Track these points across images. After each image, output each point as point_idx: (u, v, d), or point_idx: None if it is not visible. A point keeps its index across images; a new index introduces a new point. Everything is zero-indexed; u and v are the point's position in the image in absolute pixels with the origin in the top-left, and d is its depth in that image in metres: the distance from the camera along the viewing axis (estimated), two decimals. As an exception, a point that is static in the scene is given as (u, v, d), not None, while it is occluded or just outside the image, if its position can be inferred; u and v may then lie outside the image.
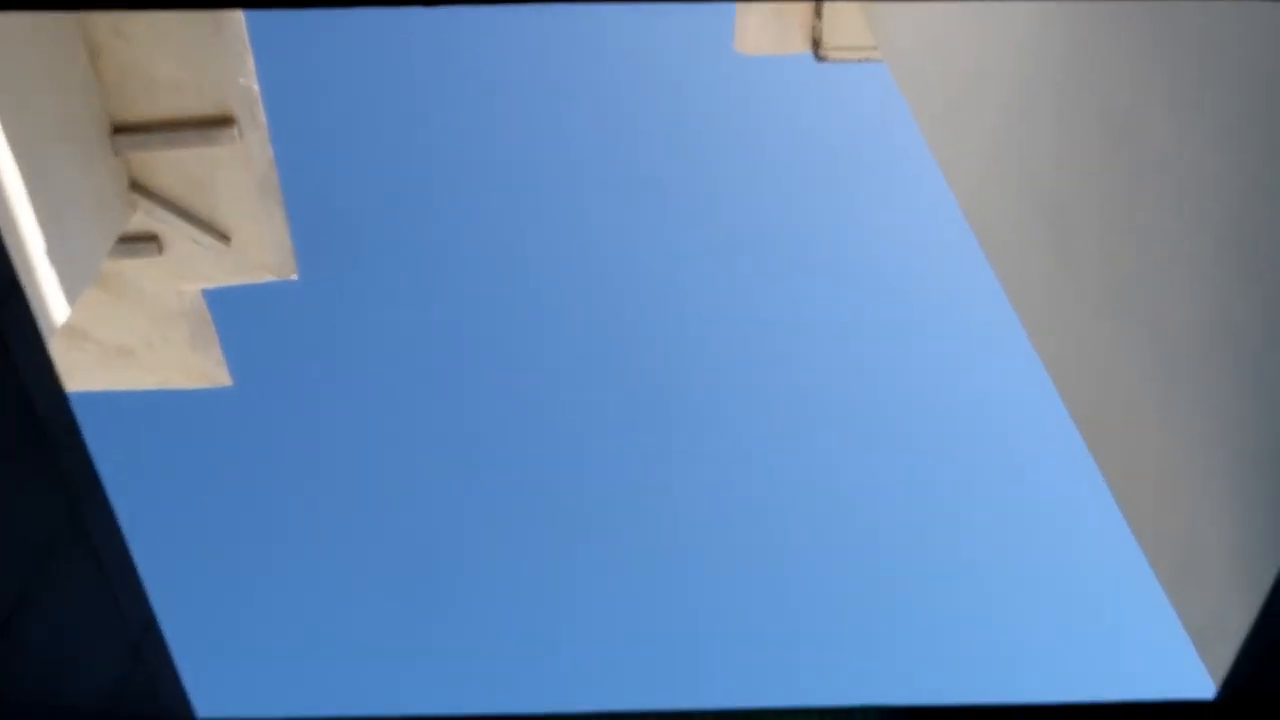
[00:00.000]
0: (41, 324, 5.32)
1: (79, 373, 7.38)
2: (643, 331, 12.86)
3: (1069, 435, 3.97)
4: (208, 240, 6.79)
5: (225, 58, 6.14)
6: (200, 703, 3.06)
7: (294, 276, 7.13)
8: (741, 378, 12.96)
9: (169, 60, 6.17)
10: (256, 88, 6.33)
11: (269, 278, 7.12)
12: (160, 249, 6.89)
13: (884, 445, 12.88)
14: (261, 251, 6.93)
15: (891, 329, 12.79)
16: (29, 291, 4.88)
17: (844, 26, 7.23)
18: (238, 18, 6.12)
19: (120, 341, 7.33)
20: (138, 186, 6.65)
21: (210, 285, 7.18)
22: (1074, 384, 3.96)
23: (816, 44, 7.38)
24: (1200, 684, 3.06)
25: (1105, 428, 3.74)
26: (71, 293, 5.85)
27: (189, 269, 7.02)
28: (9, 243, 5.07)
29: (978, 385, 12.67)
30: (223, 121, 6.34)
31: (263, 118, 6.41)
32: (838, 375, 13.02)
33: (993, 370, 12.65)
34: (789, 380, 12.85)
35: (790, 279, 12.80)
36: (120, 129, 6.43)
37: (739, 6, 7.41)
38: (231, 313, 7.62)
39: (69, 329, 7.15)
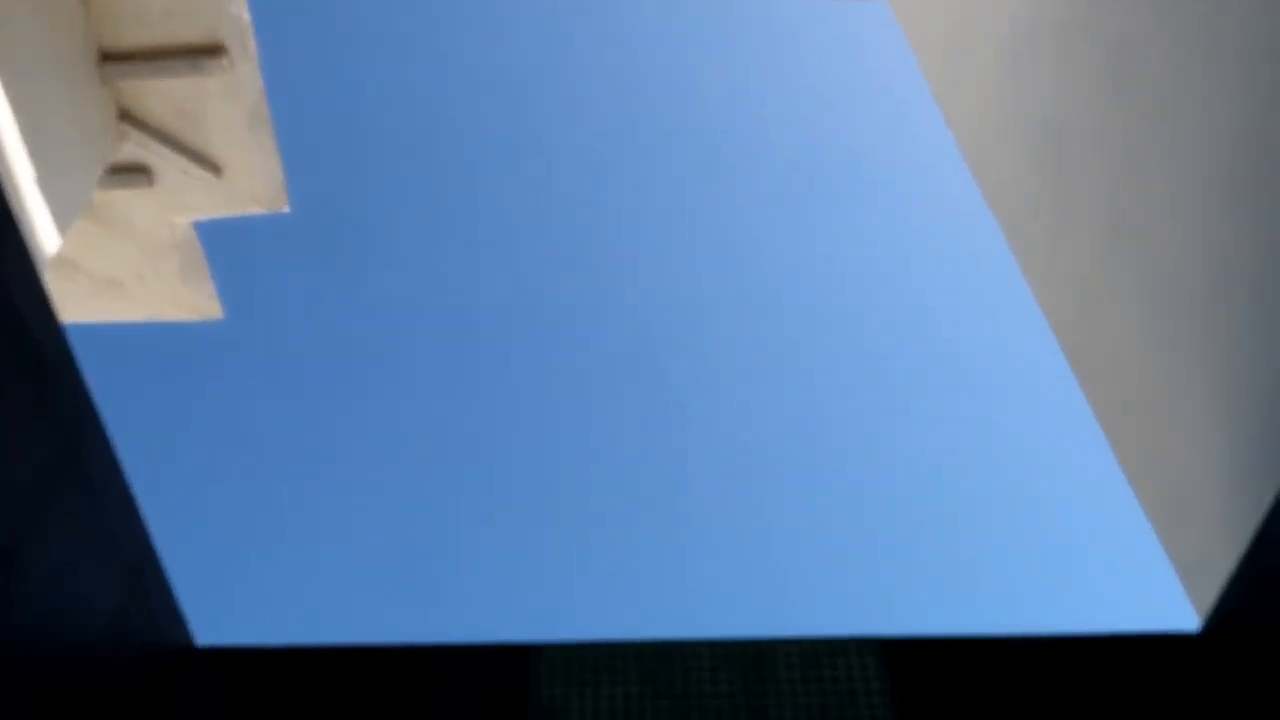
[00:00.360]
0: (33, 255, 5.29)
1: (70, 304, 7.36)
2: (641, 270, 12.84)
3: (1059, 368, 3.99)
4: (198, 172, 6.75)
5: (215, -15, 6.06)
6: (199, 630, 3.10)
7: (285, 209, 7.09)
8: (741, 327, 12.98)
9: (158, -13, 6.09)
10: (248, 17, 6.25)
11: (260, 210, 7.08)
12: (151, 180, 6.84)
13: (878, 379, 12.94)
14: (253, 183, 6.89)
15: (889, 265, 12.79)
16: (19, 222, 4.84)
17: (842, -41, 7.14)
18: (227, -56, 6.03)
19: (111, 273, 7.31)
20: (127, 116, 6.59)
21: (201, 217, 7.14)
22: (1067, 318, 3.98)
23: (814, -23, 7.29)
24: (1185, 617, 3.11)
25: (1095, 361, 3.76)
26: (62, 223, 5.81)
27: (180, 200, 6.98)
28: (-1, 172, 5.02)
29: (970, 320, 12.71)
30: (213, 51, 6.27)
31: (254, 48, 6.34)
32: (836, 316, 13.04)
33: (985, 305, 12.69)
34: (788, 325, 12.87)
35: (788, 215, 12.77)
36: (109, 57, 6.36)
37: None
38: (223, 245, 7.59)
39: (59, 260, 7.12)
